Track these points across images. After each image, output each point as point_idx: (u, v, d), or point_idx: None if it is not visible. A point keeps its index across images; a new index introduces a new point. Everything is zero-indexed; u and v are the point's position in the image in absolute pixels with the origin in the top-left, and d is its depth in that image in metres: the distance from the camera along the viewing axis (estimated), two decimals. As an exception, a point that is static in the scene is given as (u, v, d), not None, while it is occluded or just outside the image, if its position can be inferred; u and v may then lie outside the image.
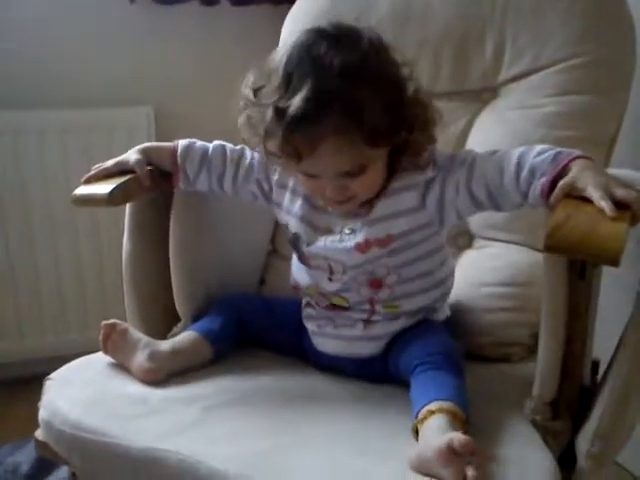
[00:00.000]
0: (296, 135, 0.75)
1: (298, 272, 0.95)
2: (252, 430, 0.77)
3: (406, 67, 0.82)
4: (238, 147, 0.97)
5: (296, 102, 0.74)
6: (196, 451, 0.73)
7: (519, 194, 0.78)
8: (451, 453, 0.64)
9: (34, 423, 0.87)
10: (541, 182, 0.74)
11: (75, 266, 1.73)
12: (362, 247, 0.85)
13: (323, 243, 0.88)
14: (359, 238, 0.85)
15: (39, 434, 0.86)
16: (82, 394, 0.86)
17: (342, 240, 0.87)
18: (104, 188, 0.92)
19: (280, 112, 0.76)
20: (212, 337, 0.93)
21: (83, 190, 0.94)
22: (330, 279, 0.89)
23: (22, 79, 1.67)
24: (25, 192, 1.66)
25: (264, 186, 0.95)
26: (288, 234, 0.93)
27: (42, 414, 0.85)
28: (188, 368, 0.90)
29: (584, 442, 0.73)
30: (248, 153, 0.96)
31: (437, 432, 0.68)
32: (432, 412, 0.71)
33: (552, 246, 0.64)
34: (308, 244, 0.90)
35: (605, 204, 0.66)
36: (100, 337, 0.91)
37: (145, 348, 0.89)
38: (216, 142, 0.98)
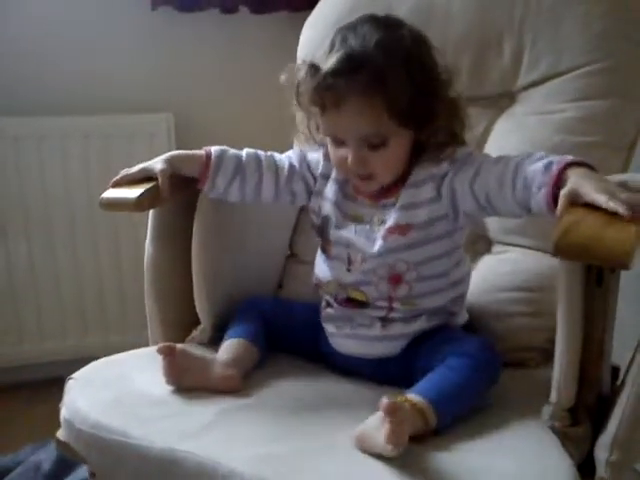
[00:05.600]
0: (325, 88, 0.82)
1: (319, 266, 0.97)
2: (269, 434, 0.78)
3: (445, 68, 0.87)
4: (269, 153, 0.99)
5: (330, 60, 0.82)
6: (214, 453, 0.74)
7: (516, 204, 0.80)
8: (390, 410, 0.69)
9: (55, 423, 0.89)
10: (543, 194, 0.75)
11: (95, 270, 1.75)
12: (385, 234, 0.88)
13: (353, 228, 0.91)
14: (386, 227, 0.88)
15: (60, 433, 0.88)
16: (102, 394, 0.87)
17: (372, 230, 0.90)
18: (131, 192, 0.92)
19: (315, 68, 0.84)
20: (256, 341, 0.94)
21: (110, 194, 0.95)
22: (349, 270, 0.91)
23: (44, 86, 1.70)
24: (47, 197, 1.68)
25: (309, 180, 0.98)
26: (316, 220, 0.96)
27: (63, 413, 0.87)
28: (247, 374, 0.90)
29: (603, 450, 0.72)
30: (282, 156, 0.99)
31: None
32: (403, 400, 0.75)
33: (562, 250, 0.64)
34: (337, 227, 0.92)
35: (616, 206, 0.66)
36: (163, 366, 0.86)
37: (214, 361, 0.89)
38: (248, 149, 0.99)
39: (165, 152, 0.99)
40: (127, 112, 1.73)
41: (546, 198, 0.75)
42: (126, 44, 1.75)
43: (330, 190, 0.95)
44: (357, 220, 0.92)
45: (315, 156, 0.98)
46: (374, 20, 0.86)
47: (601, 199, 0.67)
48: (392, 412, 0.69)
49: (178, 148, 1.64)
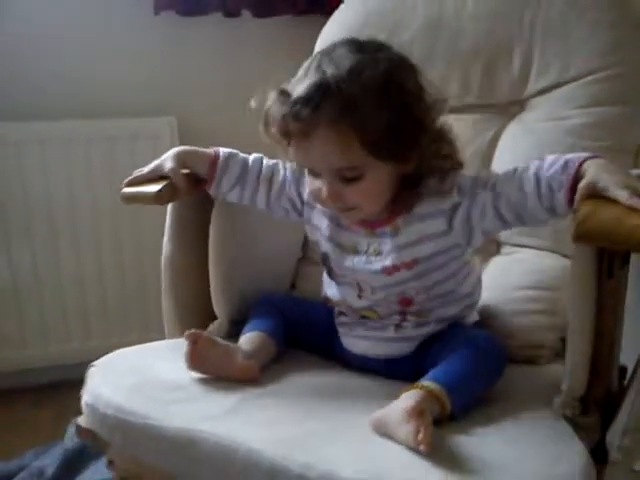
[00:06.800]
0: (292, 117, 0.78)
1: (328, 287, 0.97)
2: (288, 418, 0.80)
3: (432, 95, 0.82)
4: (272, 163, 0.97)
5: (300, 87, 0.78)
6: (233, 433, 0.76)
7: (544, 211, 0.80)
8: (416, 412, 0.71)
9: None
10: (562, 194, 0.76)
11: (99, 273, 1.75)
12: (389, 270, 0.87)
13: (351, 263, 0.90)
14: (386, 262, 0.87)
15: (81, 420, 0.89)
16: (124, 380, 0.89)
17: (369, 261, 0.89)
18: (151, 187, 0.95)
19: (285, 94, 0.80)
20: (275, 335, 0.95)
21: (131, 188, 0.97)
22: (360, 296, 0.92)
23: (48, 90, 1.71)
24: (50, 201, 1.68)
25: (296, 203, 0.96)
26: (319, 251, 0.96)
27: (85, 399, 0.88)
28: (264, 366, 0.91)
29: (615, 437, 0.74)
30: (281, 170, 0.97)
31: (410, 397, 0.74)
32: (419, 387, 0.77)
33: (582, 234, 0.65)
34: (336, 262, 0.92)
35: (635, 201, 0.67)
36: (185, 352, 0.87)
37: (235, 350, 0.89)
38: (255, 156, 0.98)
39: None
40: (130, 116, 1.74)
41: (566, 196, 0.76)
42: (129, 48, 1.76)
43: (322, 224, 0.93)
44: (353, 251, 0.90)
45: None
46: (352, 44, 0.81)
47: (620, 194, 0.69)
48: (418, 415, 0.71)
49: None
